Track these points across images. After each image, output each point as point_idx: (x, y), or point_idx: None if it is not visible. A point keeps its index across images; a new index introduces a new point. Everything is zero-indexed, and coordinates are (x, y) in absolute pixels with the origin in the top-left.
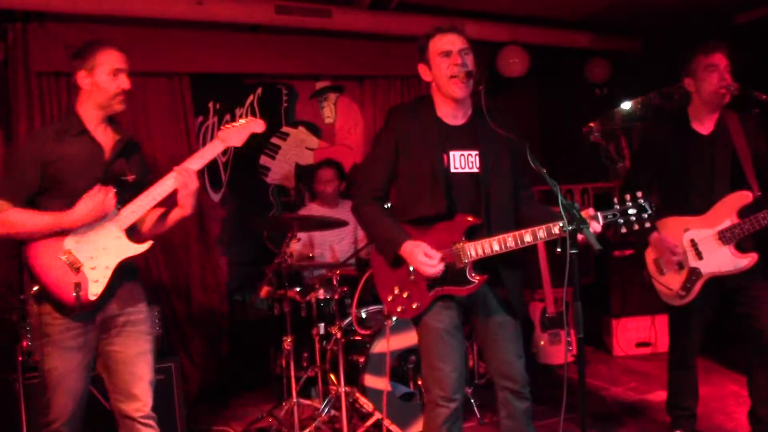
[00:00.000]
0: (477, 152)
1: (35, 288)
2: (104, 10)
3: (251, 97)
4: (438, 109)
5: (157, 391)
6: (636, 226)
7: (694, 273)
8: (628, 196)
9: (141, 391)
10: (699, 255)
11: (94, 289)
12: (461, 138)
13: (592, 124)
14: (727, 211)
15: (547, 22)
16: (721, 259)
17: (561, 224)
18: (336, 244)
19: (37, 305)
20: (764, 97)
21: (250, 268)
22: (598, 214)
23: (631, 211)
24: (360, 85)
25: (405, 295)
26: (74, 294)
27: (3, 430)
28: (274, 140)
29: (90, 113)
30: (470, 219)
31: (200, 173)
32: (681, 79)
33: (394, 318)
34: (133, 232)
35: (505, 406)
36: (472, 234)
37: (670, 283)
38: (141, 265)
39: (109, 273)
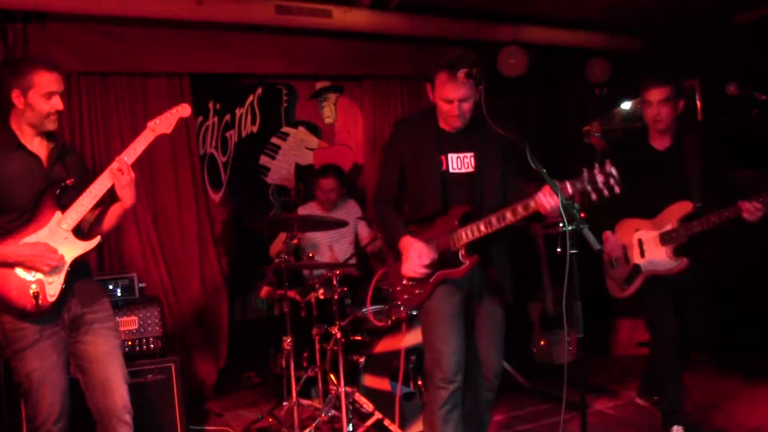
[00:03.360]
0: (472, 154)
1: None
2: (104, 10)
3: (251, 97)
4: (440, 120)
5: (157, 391)
6: (605, 192)
7: (635, 269)
8: (596, 165)
9: (117, 386)
10: (642, 253)
11: (51, 291)
12: (458, 142)
13: (591, 126)
14: (670, 217)
15: (547, 22)
16: (658, 259)
17: (560, 224)
18: (335, 244)
19: None
20: (764, 97)
21: (250, 268)
22: (567, 183)
23: (599, 179)
24: (360, 85)
25: (410, 284)
26: (34, 300)
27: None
28: (274, 140)
29: (23, 129)
30: (462, 208)
31: (200, 173)
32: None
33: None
34: (81, 231)
35: (472, 393)
36: (467, 223)
37: (618, 273)
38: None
39: (63, 273)
